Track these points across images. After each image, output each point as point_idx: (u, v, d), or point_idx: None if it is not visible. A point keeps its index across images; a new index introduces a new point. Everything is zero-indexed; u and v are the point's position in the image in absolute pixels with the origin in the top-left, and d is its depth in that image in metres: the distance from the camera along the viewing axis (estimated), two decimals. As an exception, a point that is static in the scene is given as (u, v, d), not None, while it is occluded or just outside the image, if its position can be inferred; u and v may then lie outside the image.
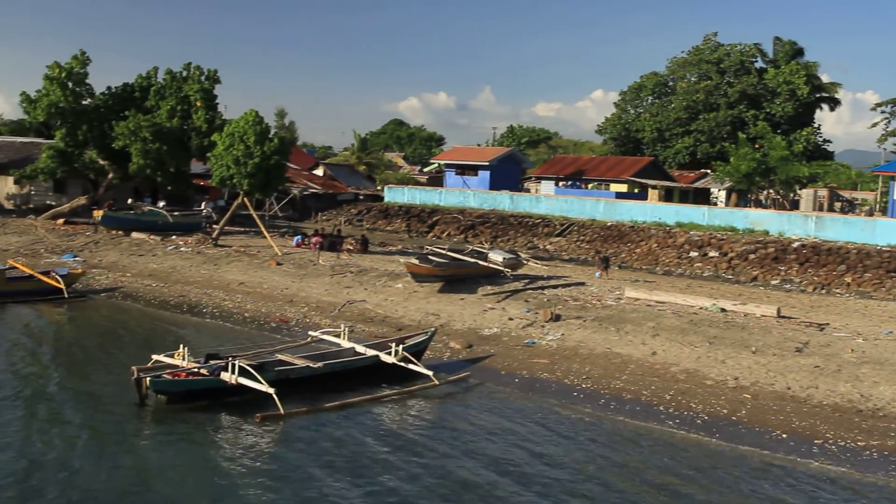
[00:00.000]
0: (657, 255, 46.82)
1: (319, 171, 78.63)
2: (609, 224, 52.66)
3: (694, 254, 46.20)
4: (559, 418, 19.59)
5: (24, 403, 18.89)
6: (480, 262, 32.90)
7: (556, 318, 27.50)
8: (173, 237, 43.39)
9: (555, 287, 32.17)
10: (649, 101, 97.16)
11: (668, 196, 69.67)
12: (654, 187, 69.85)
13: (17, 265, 32.33)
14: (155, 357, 20.10)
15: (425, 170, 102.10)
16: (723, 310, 28.69)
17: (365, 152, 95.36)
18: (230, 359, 19.43)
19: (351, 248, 40.96)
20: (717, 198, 72.66)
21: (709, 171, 76.14)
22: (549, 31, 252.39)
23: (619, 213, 54.85)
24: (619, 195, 65.49)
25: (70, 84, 46.86)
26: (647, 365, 23.34)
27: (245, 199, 42.02)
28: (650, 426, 19.21)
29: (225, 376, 19.12)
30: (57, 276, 31.37)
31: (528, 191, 77.38)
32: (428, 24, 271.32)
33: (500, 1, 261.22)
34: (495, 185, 71.61)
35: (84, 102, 48.11)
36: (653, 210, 54.59)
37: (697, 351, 24.05)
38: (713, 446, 18.07)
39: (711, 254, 45.72)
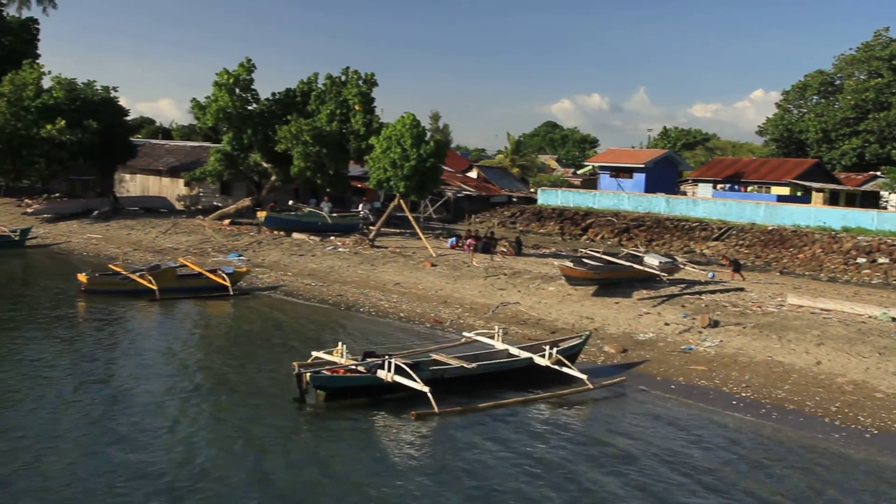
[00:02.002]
0: (821, 261, 44.96)
1: (473, 174, 79.14)
2: (770, 228, 50.92)
3: (861, 260, 44.14)
4: (716, 427, 19.09)
5: (190, 396, 19.74)
6: (635, 266, 32.37)
7: (715, 324, 26.82)
8: (332, 238, 44.51)
9: (712, 292, 31.34)
10: (814, 100, 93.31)
11: (833, 199, 66.72)
12: (818, 190, 67.04)
13: (187, 263, 33.95)
14: (315, 354, 20.73)
15: (579, 172, 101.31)
16: (894, 319, 27.30)
17: (518, 154, 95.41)
18: (387, 357, 19.83)
19: (504, 250, 41.03)
20: (887, 201, 69.11)
21: (878, 173, 72.55)
22: (707, 32, 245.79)
23: (781, 216, 52.96)
24: (781, 198, 63.23)
25: (237, 90, 48.79)
26: (810, 375, 22.48)
27: (401, 200, 42.72)
28: (814, 439, 18.48)
29: (381, 374, 19.51)
30: (223, 274, 32.74)
31: (684, 193, 75.73)
32: (582, 25, 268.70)
33: (654, 3, 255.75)
34: (650, 187, 70.38)
35: (249, 108, 49.93)
36: (817, 214, 52.45)
37: (866, 362, 22.99)
38: (883, 463, 17.22)
39: (881, 260, 43.56)
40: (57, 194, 57.71)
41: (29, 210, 52.28)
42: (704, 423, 19.28)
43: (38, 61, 59.52)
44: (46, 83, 55.19)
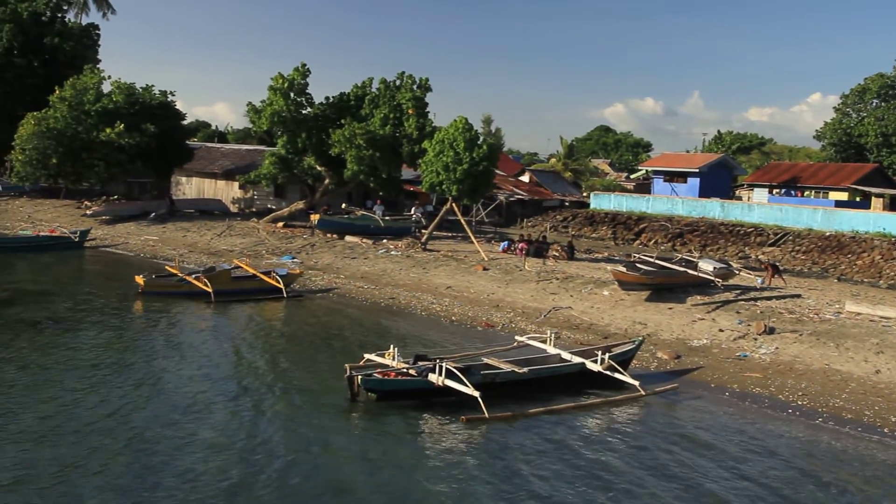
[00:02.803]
0: (881, 268, 44.02)
1: (525, 178, 78.92)
2: (827, 234, 50.04)
3: (923, 267, 43.18)
4: (771, 435, 18.82)
5: (242, 397, 19.96)
6: (690, 272, 32.06)
7: (770, 330, 26.45)
8: (384, 241, 44.69)
9: (768, 298, 30.92)
10: (874, 104, 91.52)
11: (893, 205, 65.43)
12: (877, 195, 65.73)
13: (242, 265, 34.30)
14: (367, 356, 20.87)
15: (632, 176, 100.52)
16: (956, 327, 26.70)
17: (571, 158, 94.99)
18: (438, 361, 19.87)
19: (557, 254, 40.88)
20: (949, 207, 67.59)
21: (942, 178, 70.99)
22: (764, 36, 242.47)
23: (839, 222, 52.02)
24: (839, 204, 62.11)
25: (292, 94, 49.29)
26: (869, 384, 22.07)
27: (453, 204, 42.78)
28: (872, 449, 18.14)
29: (432, 378, 19.55)
30: (277, 276, 33.03)
31: (739, 198, 74.77)
32: (635, 29, 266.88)
33: (709, 7, 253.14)
34: (705, 192, 69.57)
35: (304, 112, 50.37)
36: (877, 219, 51.40)
37: (927, 371, 22.52)
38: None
39: (943, 267, 42.57)
40: (115, 196, 58.72)
41: (88, 212, 53.27)
42: (759, 432, 19.02)
43: (98, 66, 60.68)
44: (106, 88, 56.33)
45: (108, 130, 51.71)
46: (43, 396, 18.85)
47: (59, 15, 68.73)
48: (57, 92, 54.03)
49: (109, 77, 56.96)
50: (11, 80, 61.81)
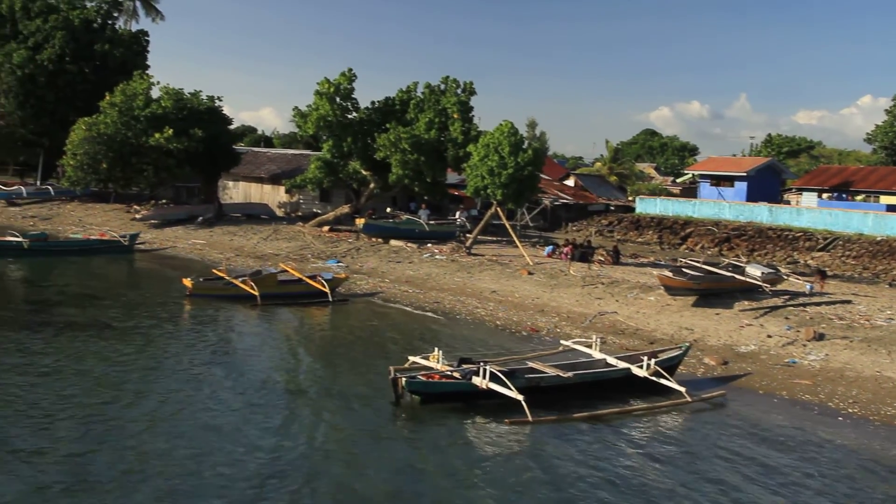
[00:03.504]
0: (934, 274, 43.23)
1: (570, 182, 78.62)
2: (878, 239, 49.18)
3: (978, 273, 42.30)
4: (821, 444, 18.52)
5: (289, 399, 20.15)
6: (737, 277, 31.70)
7: (820, 336, 26.07)
8: (429, 245, 44.75)
9: (818, 304, 30.47)
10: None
11: (947, 210, 64.22)
12: (930, 200, 64.63)
13: (288, 269, 34.56)
14: (411, 359, 20.95)
15: (678, 180, 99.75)
16: None
17: (616, 162, 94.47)
18: (482, 364, 19.89)
19: (602, 258, 40.65)
20: None
21: None
22: (812, 37, 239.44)
23: (891, 227, 51.09)
24: (891, 208, 61.04)
25: (338, 99, 49.60)
26: (922, 391, 21.67)
27: (498, 208, 42.74)
28: (925, 457, 17.80)
29: (476, 381, 19.57)
30: (322, 280, 33.21)
31: (788, 203, 73.82)
32: (680, 32, 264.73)
33: (757, 8, 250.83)
34: (752, 196, 68.76)
35: (350, 116, 50.68)
36: (929, 224, 50.50)
37: (982, 378, 22.06)
38: None
39: None
40: (163, 201, 59.44)
41: (137, 216, 54.04)
42: (808, 440, 18.74)
43: (147, 72, 61.53)
44: (155, 93, 57.04)
45: (156, 135, 52.37)
46: (93, 400, 19.13)
47: (110, 22, 69.86)
48: (107, 98, 54.83)
49: (158, 83, 57.73)
50: (63, 86, 62.87)
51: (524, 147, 41.46)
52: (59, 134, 59.35)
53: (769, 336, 26.62)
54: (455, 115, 48.84)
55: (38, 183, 66.11)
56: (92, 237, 45.59)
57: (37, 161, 66.27)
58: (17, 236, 41.50)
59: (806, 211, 58.55)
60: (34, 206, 60.41)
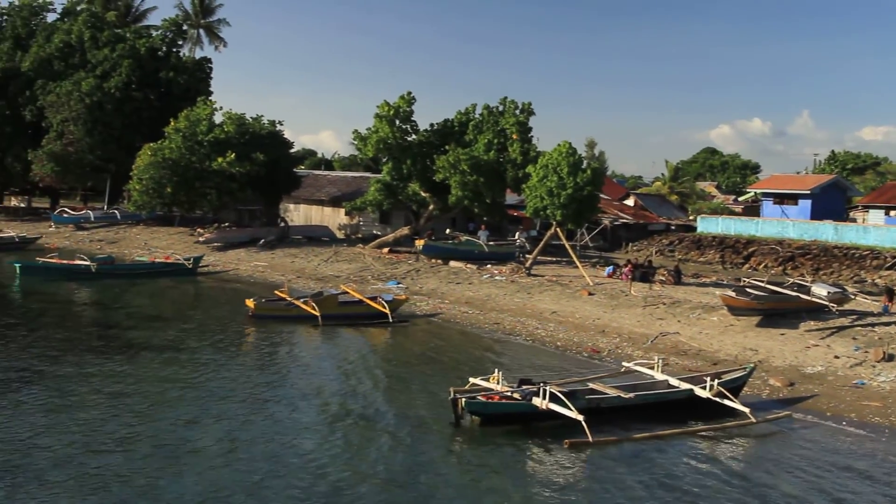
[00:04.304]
0: None
1: (630, 201, 78.16)
2: (949, 257, 48.06)
3: None
4: (892, 469, 18.10)
5: (350, 419, 20.25)
6: (802, 296, 31.16)
7: (890, 357, 25.51)
8: (488, 266, 44.74)
9: (886, 324, 29.81)
10: None
11: None
12: None
13: (348, 290, 34.82)
14: (472, 380, 20.96)
15: (740, 199, 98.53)
16: None
17: (677, 181, 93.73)
18: (542, 385, 19.81)
19: (663, 278, 40.30)
20: None
21: None
22: (877, 51, 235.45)
23: (961, 244, 49.90)
24: (961, 225, 59.64)
25: (397, 121, 50.00)
26: None
27: (557, 229, 42.63)
28: None
29: (536, 401, 19.50)
30: (383, 301, 33.37)
31: (854, 220, 72.46)
32: (739, 48, 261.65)
33: (820, 23, 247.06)
34: (817, 214, 67.64)
35: (409, 138, 51.05)
36: None
37: None
38: None
39: None
40: (226, 224, 60.35)
41: (201, 239, 54.93)
42: (878, 464, 18.32)
43: (210, 98, 62.73)
44: (218, 118, 58.11)
45: (219, 160, 53.29)
46: (161, 419, 19.48)
47: (174, 49, 71.52)
48: (172, 123, 56.00)
49: (221, 108, 58.88)
50: (129, 113, 64.48)
51: (583, 167, 41.32)
52: (125, 159, 60.80)
53: (836, 357, 26.12)
54: (514, 136, 48.87)
55: (106, 207, 67.68)
56: (157, 260, 46.48)
57: (104, 186, 67.75)
58: (86, 260, 42.53)
59: (873, 229, 57.43)
60: (101, 230, 61.89)
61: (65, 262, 42.96)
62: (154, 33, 71.30)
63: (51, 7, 73.70)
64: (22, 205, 78.34)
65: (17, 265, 41.11)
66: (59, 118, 63.66)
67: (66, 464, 16.02)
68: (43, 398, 20.53)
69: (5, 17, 73.13)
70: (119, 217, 64.14)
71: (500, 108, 51.12)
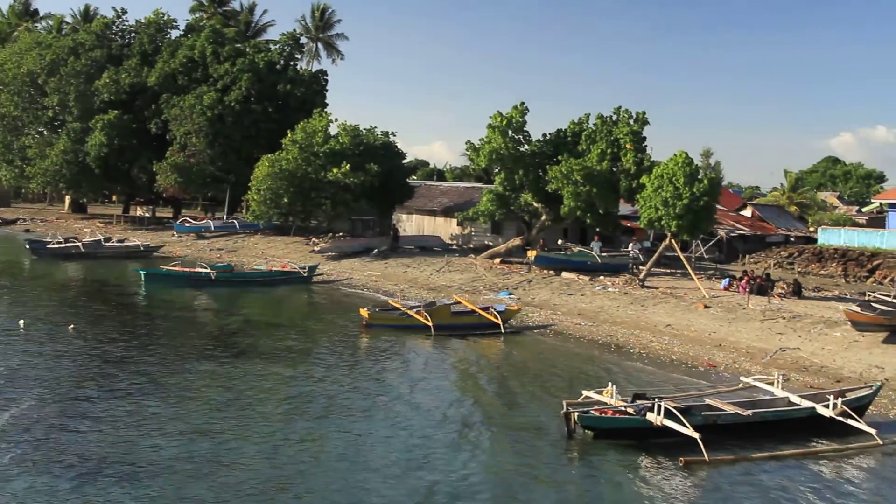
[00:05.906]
0: None
1: (747, 212, 76.34)
2: None
3: None
4: None
5: (464, 432, 20.26)
6: (932, 312, 29.93)
7: None
8: (601, 277, 44.30)
9: None
10: None
11: None
12: None
13: (461, 300, 34.97)
14: (585, 393, 20.77)
15: (864, 210, 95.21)
16: None
17: (796, 192, 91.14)
18: (656, 400, 19.47)
19: (782, 292, 39.17)
20: None
21: None
22: None
23: None
24: None
25: (510, 132, 49.98)
26: None
27: (672, 240, 41.94)
28: None
29: (650, 417, 19.19)
30: (495, 312, 33.40)
31: None
32: (860, 53, 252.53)
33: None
34: (947, 226, 64.91)
35: (521, 149, 50.96)
36: None
37: None
38: None
39: None
40: (340, 233, 61.41)
41: (315, 248, 55.97)
42: None
43: (326, 110, 64.06)
44: (333, 130, 59.30)
45: (335, 170, 54.34)
46: (280, 430, 19.92)
47: (292, 63, 73.29)
48: (289, 135, 57.46)
49: (336, 120, 60.12)
50: (248, 125, 66.47)
51: (699, 177, 40.53)
52: (244, 170, 62.63)
53: (969, 376, 24.97)
54: (628, 146, 48.30)
55: (225, 217, 69.76)
56: (274, 269, 47.66)
57: (224, 196, 69.75)
58: (206, 268, 43.99)
59: None
60: (221, 238, 63.84)
61: (186, 269, 44.44)
62: (272, 48, 73.27)
63: (175, 25, 76.55)
64: (147, 215, 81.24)
65: (143, 272, 42.71)
66: (182, 131, 66.04)
67: (205, 476, 16.40)
68: (173, 401, 21.26)
69: (133, 35, 76.17)
70: (238, 227, 66.01)
71: (614, 118, 50.59)
